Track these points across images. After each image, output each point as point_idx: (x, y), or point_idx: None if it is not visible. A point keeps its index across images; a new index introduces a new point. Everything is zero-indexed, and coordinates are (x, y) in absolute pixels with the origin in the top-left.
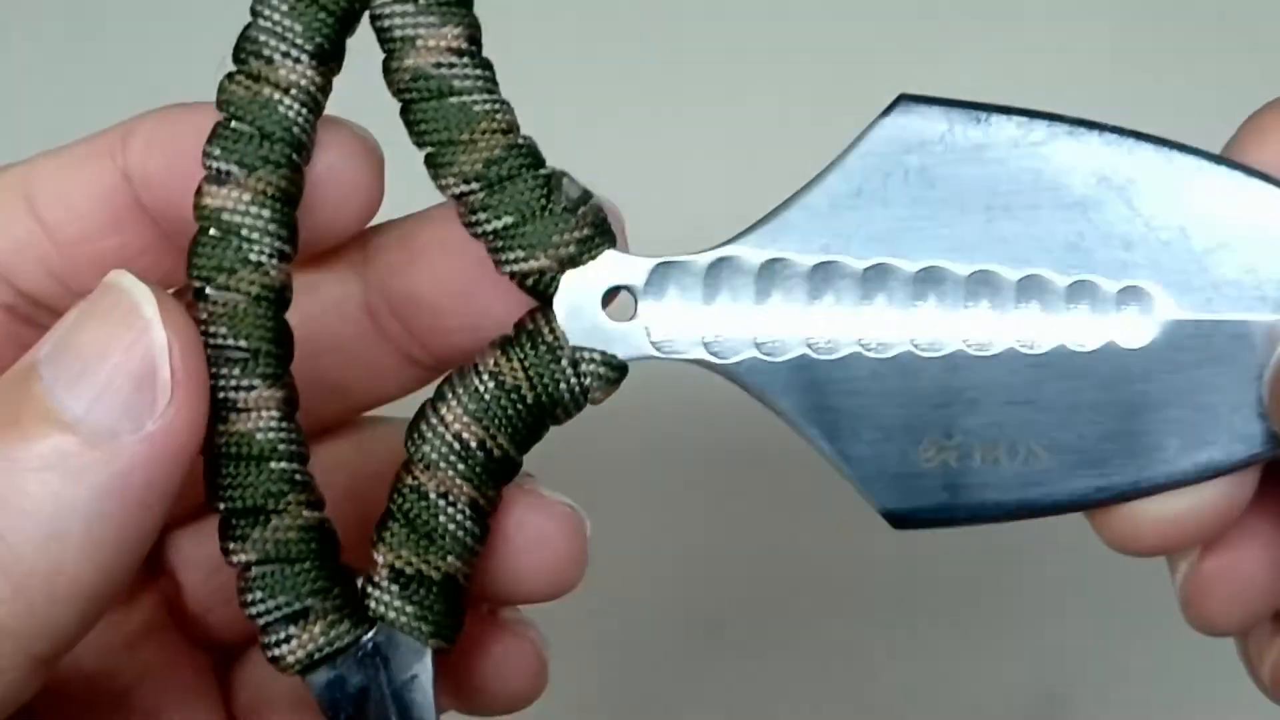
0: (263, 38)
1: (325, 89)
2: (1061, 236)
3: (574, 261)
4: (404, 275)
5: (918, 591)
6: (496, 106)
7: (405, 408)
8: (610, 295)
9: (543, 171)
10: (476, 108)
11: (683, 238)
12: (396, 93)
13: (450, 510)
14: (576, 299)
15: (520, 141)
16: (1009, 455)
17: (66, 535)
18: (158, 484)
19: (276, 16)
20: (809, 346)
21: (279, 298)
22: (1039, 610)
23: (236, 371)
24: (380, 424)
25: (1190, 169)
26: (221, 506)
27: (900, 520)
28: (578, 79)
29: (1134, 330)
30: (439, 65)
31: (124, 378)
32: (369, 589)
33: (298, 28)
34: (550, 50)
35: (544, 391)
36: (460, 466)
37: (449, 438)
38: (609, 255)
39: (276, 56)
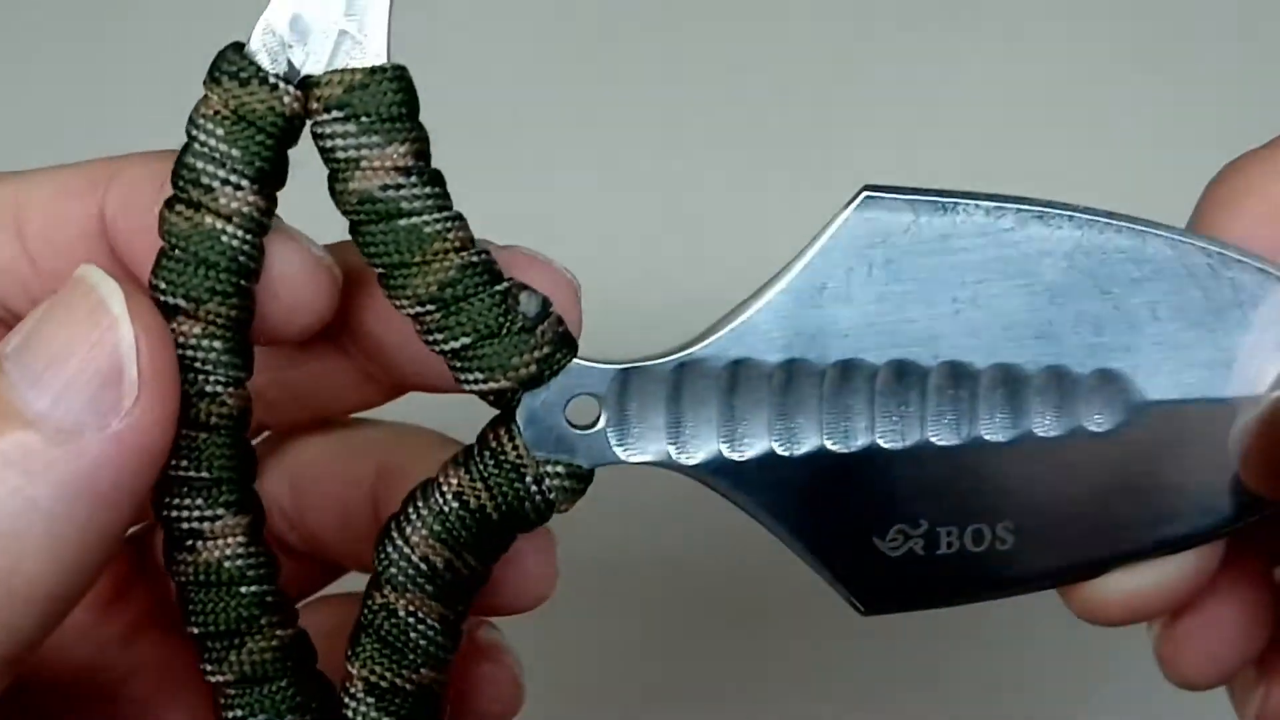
0: (200, 164)
1: (270, 210)
2: (1031, 325)
3: (536, 380)
4: (359, 314)
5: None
6: (448, 225)
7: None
8: (572, 403)
9: (498, 288)
10: (427, 229)
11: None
12: (344, 213)
13: (420, 627)
14: (539, 410)
15: (475, 259)
16: (975, 540)
17: (25, 534)
18: (125, 483)
19: (213, 142)
20: (774, 445)
21: (238, 422)
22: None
23: (200, 501)
24: (365, 426)
25: (1162, 248)
26: (195, 631)
27: (870, 607)
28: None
29: (1104, 414)
30: (386, 188)
31: (90, 374)
32: (346, 700)
33: (235, 153)
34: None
35: (508, 509)
36: (429, 588)
37: (415, 559)
38: (573, 366)
39: (216, 185)
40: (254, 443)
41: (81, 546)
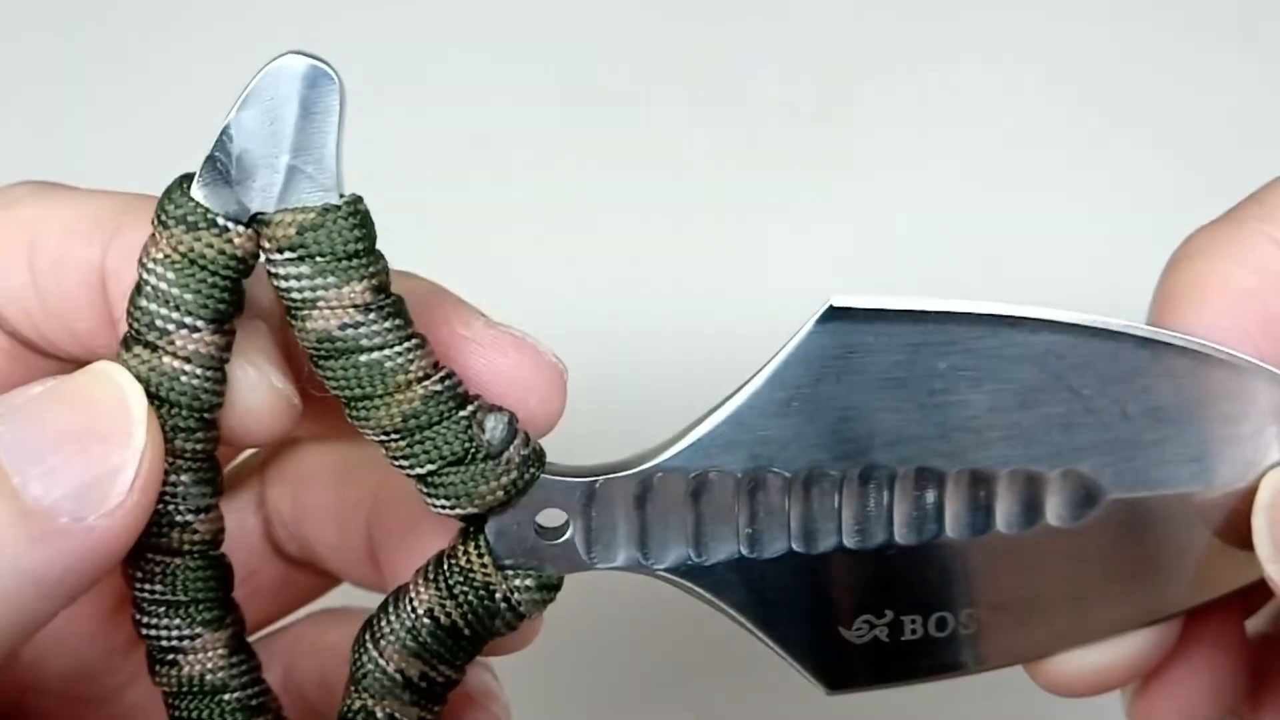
0: (154, 307)
1: (229, 344)
2: (999, 428)
3: (503, 505)
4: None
5: None
6: (410, 358)
7: None
8: (542, 512)
9: (462, 414)
10: (389, 363)
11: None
12: (305, 349)
13: None
14: (508, 523)
15: (438, 388)
16: (939, 627)
17: None
18: (69, 580)
19: (164, 285)
20: (741, 549)
21: (211, 544)
22: None
23: (178, 621)
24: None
25: (1139, 350)
26: None
27: (836, 689)
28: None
29: (1070, 510)
30: (345, 326)
31: (92, 467)
32: None
33: (189, 297)
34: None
35: (479, 624)
36: (404, 695)
37: (390, 671)
38: (542, 482)
39: (171, 328)
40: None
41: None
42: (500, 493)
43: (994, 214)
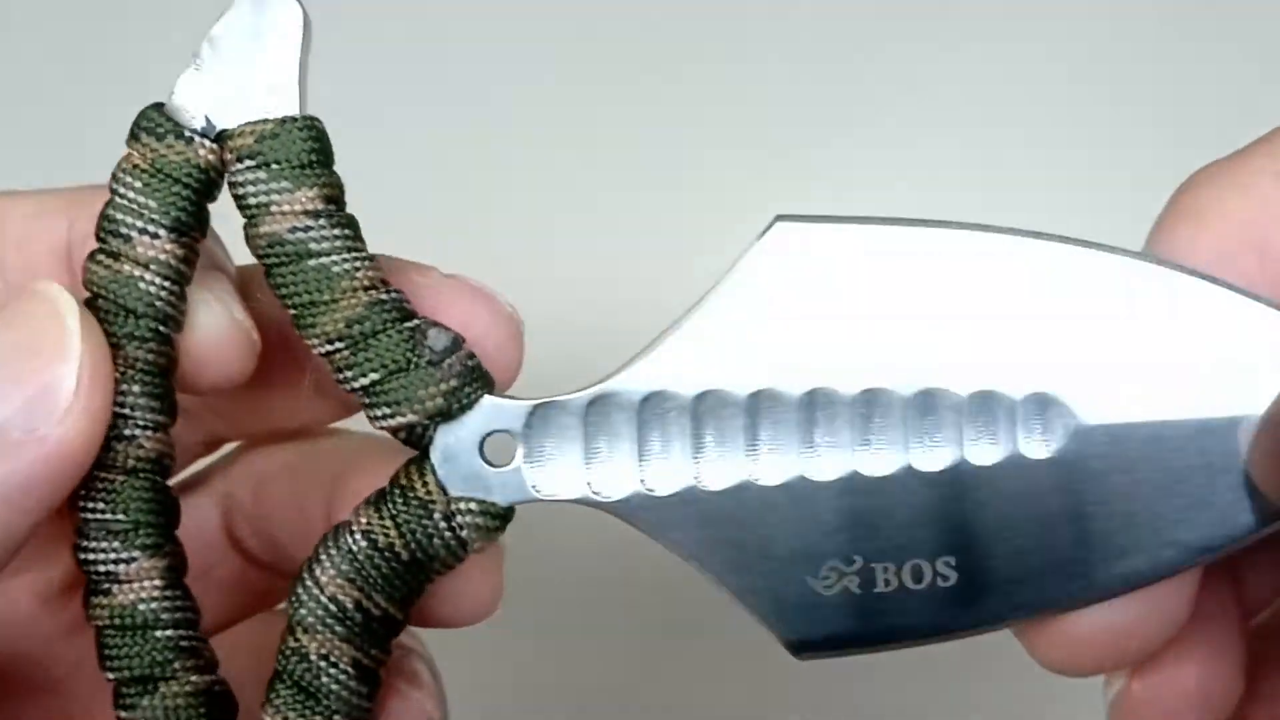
0: (119, 216)
1: (189, 259)
2: (958, 348)
3: (442, 414)
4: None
5: None
6: (357, 265)
7: None
8: (488, 439)
9: (407, 325)
10: (335, 268)
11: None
12: (257, 257)
13: (333, 671)
14: (453, 448)
15: (384, 297)
16: (914, 577)
17: None
18: (35, 491)
19: (131, 194)
20: (695, 480)
21: (157, 467)
22: None
23: (116, 544)
24: (329, 436)
25: (1098, 266)
26: (110, 676)
27: (804, 649)
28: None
29: (1041, 440)
30: (294, 230)
31: (33, 379)
32: None
33: (152, 204)
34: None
35: (418, 548)
36: (339, 629)
37: (324, 600)
38: (485, 401)
39: (134, 234)
40: (225, 450)
41: None
42: (440, 400)
43: (993, 215)
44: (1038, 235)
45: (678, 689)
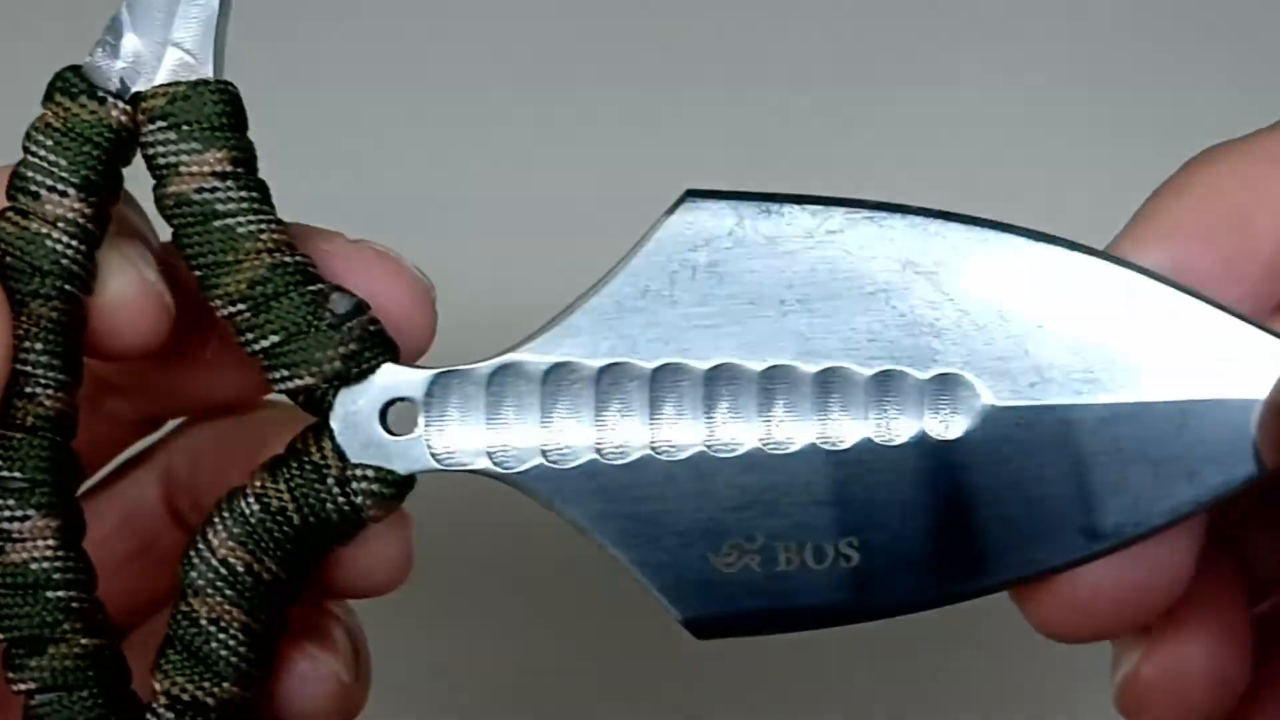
0: (30, 174)
1: (100, 219)
2: (863, 327)
3: (343, 377)
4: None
5: None
6: (263, 227)
7: None
8: (390, 409)
9: (310, 289)
10: (241, 229)
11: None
12: (165, 218)
13: (222, 636)
14: (353, 415)
15: (288, 259)
16: (816, 557)
17: None
18: None
19: (42, 152)
20: (598, 452)
21: (57, 427)
22: None
23: (11, 502)
24: (265, 409)
25: (1005, 248)
26: (1, 636)
27: (703, 629)
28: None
29: (948, 421)
30: (201, 190)
31: None
32: (149, 717)
33: (62, 162)
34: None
35: (310, 513)
36: (229, 592)
37: (215, 563)
38: (387, 368)
39: (43, 192)
40: (167, 429)
41: None
42: (338, 363)
43: (994, 214)
44: (953, 216)
45: (604, 663)
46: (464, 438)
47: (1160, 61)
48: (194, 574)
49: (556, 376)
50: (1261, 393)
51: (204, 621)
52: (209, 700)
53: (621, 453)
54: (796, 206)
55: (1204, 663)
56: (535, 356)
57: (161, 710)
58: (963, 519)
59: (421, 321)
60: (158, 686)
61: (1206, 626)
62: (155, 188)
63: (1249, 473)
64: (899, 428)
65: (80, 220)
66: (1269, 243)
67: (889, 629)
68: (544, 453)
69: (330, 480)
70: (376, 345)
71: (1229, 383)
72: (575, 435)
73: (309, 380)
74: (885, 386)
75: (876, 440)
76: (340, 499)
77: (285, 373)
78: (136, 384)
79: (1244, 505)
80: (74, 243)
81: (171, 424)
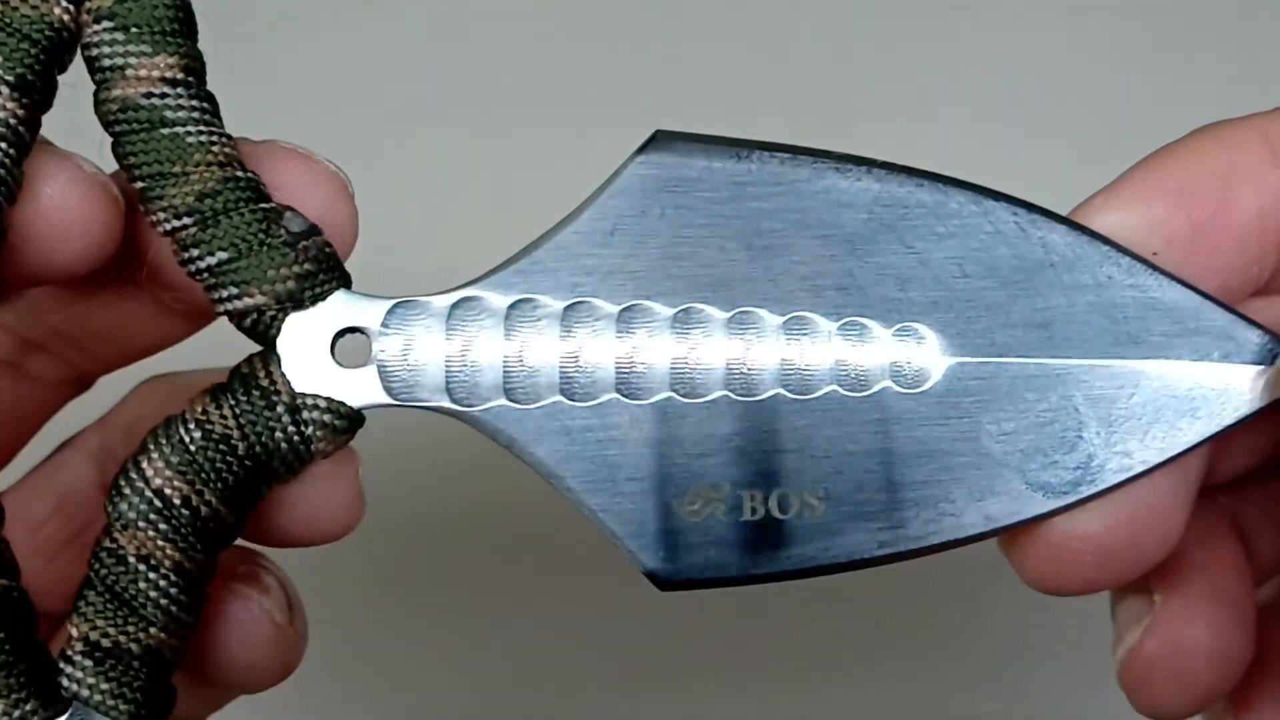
0: None
1: (30, 123)
2: (831, 276)
3: (294, 299)
4: (140, 239)
5: None
6: (214, 138)
7: None
8: (342, 338)
9: (263, 205)
10: (190, 139)
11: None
12: (107, 125)
13: (151, 576)
14: (303, 343)
15: (239, 174)
16: (781, 507)
17: None
18: None
19: None
20: (562, 393)
21: None
22: None
23: None
24: (200, 374)
25: (966, 204)
26: None
27: (666, 581)
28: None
29: (910, 374)
30: (149, 95)
31: None
32: (62, 665)
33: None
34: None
35: (257, 442)
36: (162, 526)
37: (149, 494)
38: (339, 296)
39: None
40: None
41: None
42: (291, 283)
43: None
44: (918, 172)
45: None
46: (421, 373)
47: (1161, 61)
48: (124, 505)
49: (520, 312)
50: (1214, 359)
51: (132, 559)
52: (133, 646)
53: (586, 394)
54: (766, 153)
55: (1207, 637)
56: (498, 291)
57: (77, 658)
58: (922, 472)
59: (342, 213)
60: (74, 631)
61: (1210, 601)
62: (97, 92)
63: (1201, 435)
64: (864, 378)
65: (11, 121)
66: (1246, 215)
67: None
68: (506, 391)
69: (280, 408)
70: (330, 269)
71: (1181, 348)
72: (538, 376)
73: (259, 299)
74: (851, 336)
75: (842, 390)
76: (290, 428)
77: (234, 290)
78: (61, 335)
79: (1247, 494)
80: (2, 144)
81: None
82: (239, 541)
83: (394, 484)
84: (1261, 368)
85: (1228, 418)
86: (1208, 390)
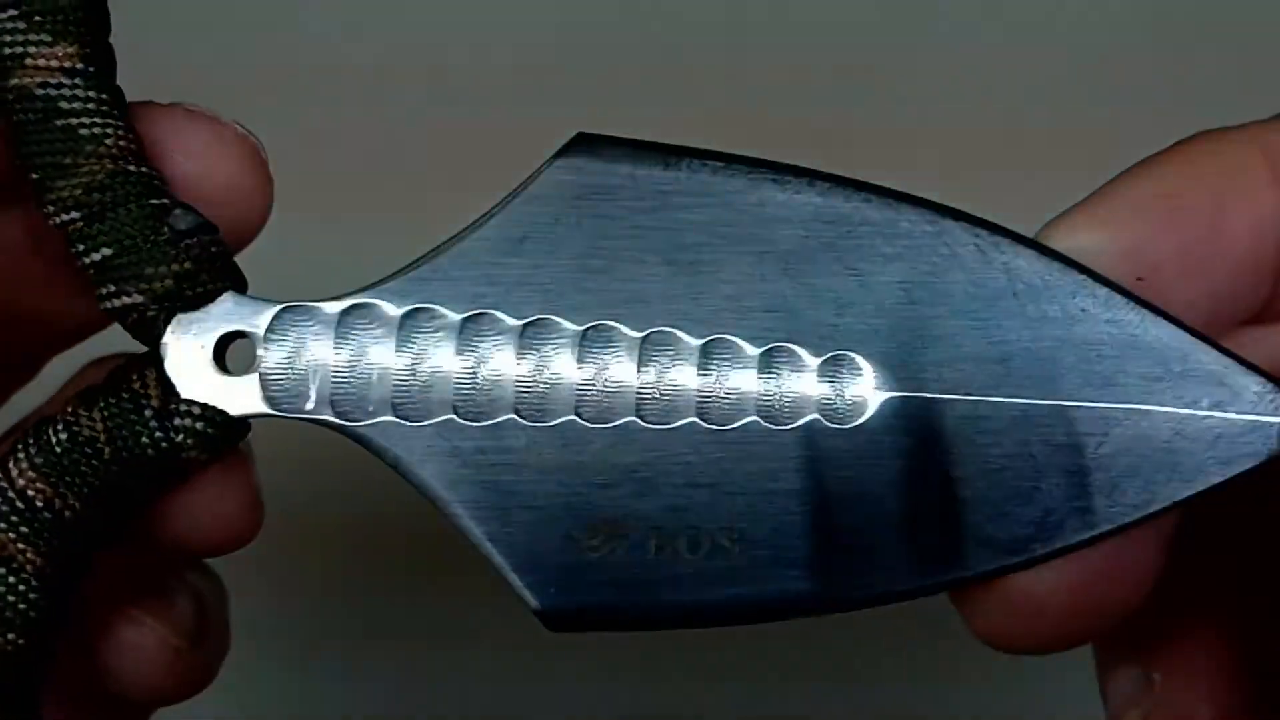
0: None
1: None
2: (760, 297)
3: (173, 298)
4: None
5: None
6: (108, 131)
7: None
8: (227, 343)
9: (153, 201)
10: (83, 131)
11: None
12: (5, 116)
13: (11, 579)
14: (187, 347)
15: (132, 169)
16: (690, 547)
17: None
18: None
19: None
20: (455, 410)
21: None
22: None
23: None
24: None
25: (920, 224)
26: None
27: (559, 621)
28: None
29: (842, 408)
30: (45, 85)
31: None
32: None
33: None
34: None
35: (124, 447)
36: (23, 529)
37: (11, 494)
38: (229, 298)
39: None
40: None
41: None
42: (170, 281)
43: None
44: (866, 186)
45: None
46: (306, 383)
47: (1163, 63)
48: None
49: (415, 322)
50: (1202, 408)
51: None
52: None
53: (482, 413)
54: (697, 161)
55: (1215, 717)
56: (394, 298)
57: None
58: (852, 518)
59: (251, 183)
60: None
61: (1213, 678)
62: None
63: (1179, 494)
64: (789, 410)
65: None
66: (1240, 238)
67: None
68: (394, 406)
69: (147, 413)
70: (217, 269)
71: (1162, 393)
72: (431, 389)
73: (137, 298)
74: (776, 364)
75: (763, 422)
76: (157, 434)
77: (113, 288)
78: None
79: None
80: None
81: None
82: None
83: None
84: (1255, 418)
85: (1215, 476)
86: (1192, 442)
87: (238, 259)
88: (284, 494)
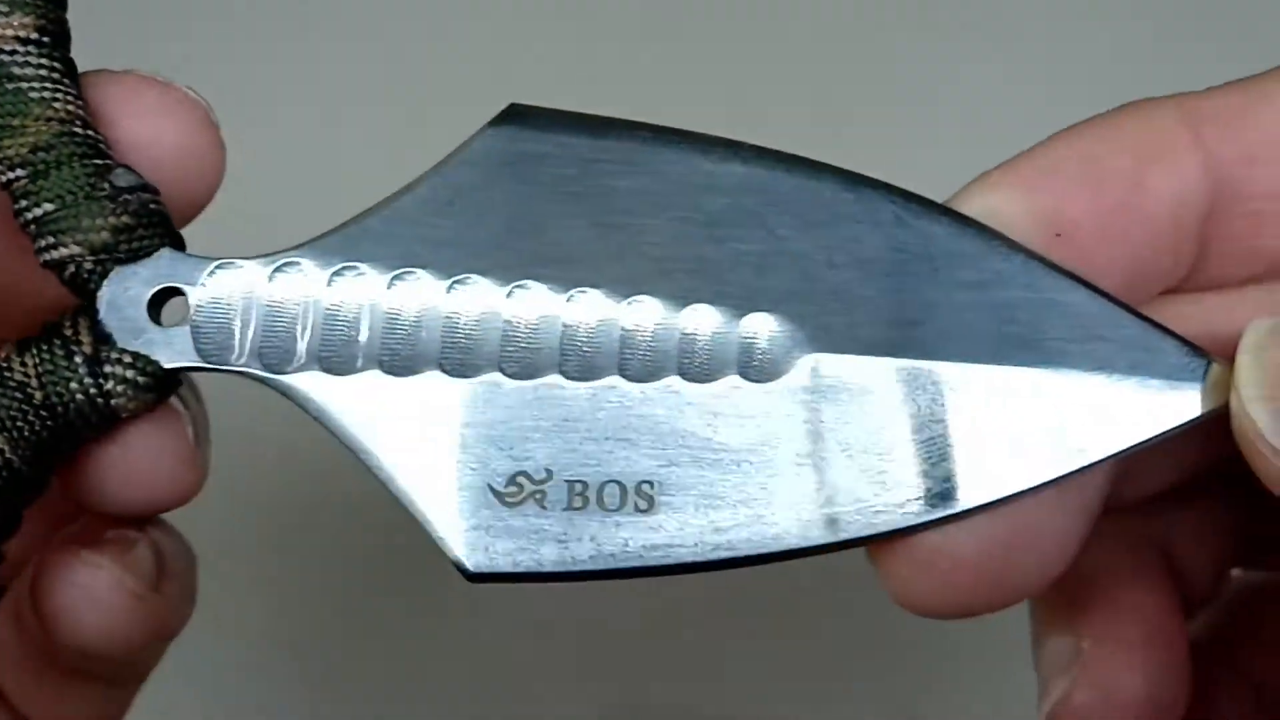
0: None
1: None
2: (683, 259)
3: (109, 250)
4: None
5: None
6: (58, 96)
7: None
8: (163, 298)
9: (96, 161)
10: (33, 94)
11: None
12: None
13: None
14: (120, 298)
15: (77, 131)
16: (608, 499)
17: None
18: None
19: None
20: (380, 364)
21: None
22: None
23: None
24: None
25: (841, 192)
26: None
27: (476, 573)
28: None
29: (760, 365)
30: (0, 52)
31: None
32: None
33: None
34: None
35: (53, 393)
36: None
37: None
38: (164, 254)
39: None
40: None
41: None
42: (107, 234)
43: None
44: (788, 157)
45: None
46: (236, 336)
47: (1164, 63)
48: None
49: (344, 279)
50: (1124, 375)
51: None
52: None
53: (406, 368)
54: (626, 131)
55: (1142, 686)
56: (323, 255)
57: None
58: (762, 470)
59: (202, 145)
60: None
61: (1142, 645)
62: None
63: (1102, 454)
64: (708, 368)
65: None
66: (1161, 203)
67: None
68: (320, 359)
69: (78, 359)
70: (154, 225)
71: (1078, 356)
72: (358, 347)
73: (74, 249)
74: (699, 323)
75: (683, 379)
76: (88, 382)
77: (51, 240)
78: None
79: (1172, 517)
80: None
81: None
82: None
83: None
84: (1174, 382)
85: (1128, 439)
86: (1108, 406)
87: (199, 221)
88: (285, 495)
